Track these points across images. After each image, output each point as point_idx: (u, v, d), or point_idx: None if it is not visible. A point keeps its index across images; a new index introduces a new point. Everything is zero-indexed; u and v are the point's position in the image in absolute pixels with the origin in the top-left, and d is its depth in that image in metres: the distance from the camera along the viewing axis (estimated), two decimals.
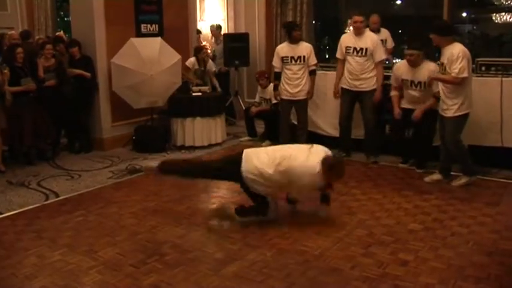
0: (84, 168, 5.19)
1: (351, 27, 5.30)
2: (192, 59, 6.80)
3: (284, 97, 5.53)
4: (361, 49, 5.05)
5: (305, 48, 5.39)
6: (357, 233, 3.39)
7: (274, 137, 5.86)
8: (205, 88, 6.34)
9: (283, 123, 5.64)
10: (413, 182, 4.52)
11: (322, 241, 3.24)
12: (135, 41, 5.75)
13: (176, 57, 5.96)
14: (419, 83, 4.63)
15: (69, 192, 4.38)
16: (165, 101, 6.00)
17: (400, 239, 3.27)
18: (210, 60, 7.01)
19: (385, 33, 6.29)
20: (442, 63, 4.23)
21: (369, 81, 5.07)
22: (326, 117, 5.70)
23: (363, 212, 3.79)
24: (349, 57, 5.14)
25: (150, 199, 4.15)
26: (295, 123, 5.72)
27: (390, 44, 6.36)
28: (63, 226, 3.60)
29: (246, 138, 6.45)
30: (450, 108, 4.23)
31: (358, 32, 5.08)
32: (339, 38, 5.35)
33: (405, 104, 4.79)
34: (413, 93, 4.68)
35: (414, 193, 4.20)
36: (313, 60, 5.41)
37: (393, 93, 4.83)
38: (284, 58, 5.39)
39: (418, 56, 4.57)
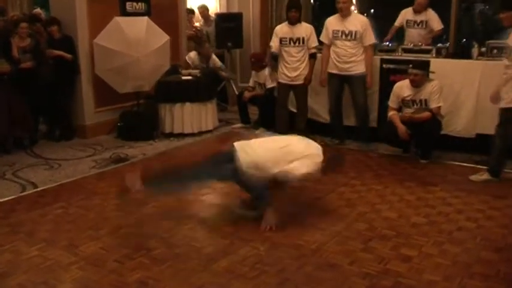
0: (65, 157, 5.14)
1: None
2: (192, 54, 6.74)
3: (282, 81, 5.49)
4: (350, 32, 5.01)
5: (305, 29, 5.33)
6: (357, 226, 3.39)
7: (268, 124, 5.83)
8: (196, 71, 6.28)
9: (281, 110, 5.60)
10: (417, 173, 4.52)
11: (319, 235, 3.23)
12: (120, 20, 5.65)
13: (164, 38, 5.89)
14: (421, 101, 4.69)
15: (48, 183, 4.33)
16: (152, 85, 5.95)
17: (403, 233, 3.26)
18: (213, 55, 6.91)
19: (429, 13, 6.07)
20: None
21: (358, 65, 5.05)
22: (326, 104, 5.66)
23: (362, 204, 3.78)
24: (337, 42, 5.10)
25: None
26: (293, 110, 5.69)
27: (438, 25, 6.08)
28: (41, 219, 3.56)
29: (239, 125, 6.43)
30: (503, 97, 4.06)
31: (344, 14, 5.02)
32: None
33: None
34: (412, 111, 4.73)
35: (417, 184, 4.20)
36: (313, 42, 5.35)
37: (392, 112, 4.81)
38: (282, 39, 5.35)
39: (423, 76, 4.64)
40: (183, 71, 6.26)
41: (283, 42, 5.35)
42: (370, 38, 5.03)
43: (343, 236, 3.24)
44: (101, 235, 3.28)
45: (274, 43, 5.43)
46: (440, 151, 4.93)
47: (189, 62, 6.63)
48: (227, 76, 7.23)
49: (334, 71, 5.17)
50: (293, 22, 5.31)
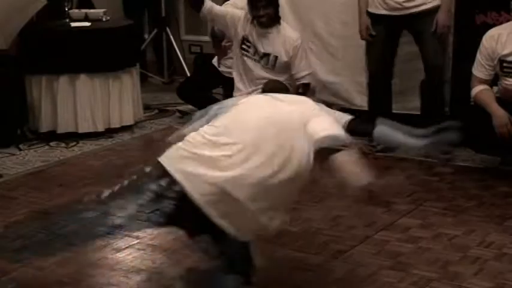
0: None
1: None
2: None
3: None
4: None
5: (283, 42, 5.56)
6: None
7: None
8: (98, 12, 6.30)
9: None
10: None
11: None
12: None
13: None
14: None
15: None
16: (12, 39, 5.99)
17: None
18: None
19: None
20: None
21: None
22: (353, 75, 5.77)
23: (423, 263, 3.79)
24: None
25: None
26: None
27: None
28: None
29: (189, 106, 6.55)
30: None
31: None
32: None
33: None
34: None
35: None
36: (302, 66, 5.62)
37: (480, 87, 4.89)
38: (245, 39, 5.60)
39: None
40: (74, 12, 6.27)
41: (244, 47, 5.62)
42: None
43: None
44: None
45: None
46: None
47: None
48: None
49: (381, 11, 5.32)
50: (265, 24, 5.53)
